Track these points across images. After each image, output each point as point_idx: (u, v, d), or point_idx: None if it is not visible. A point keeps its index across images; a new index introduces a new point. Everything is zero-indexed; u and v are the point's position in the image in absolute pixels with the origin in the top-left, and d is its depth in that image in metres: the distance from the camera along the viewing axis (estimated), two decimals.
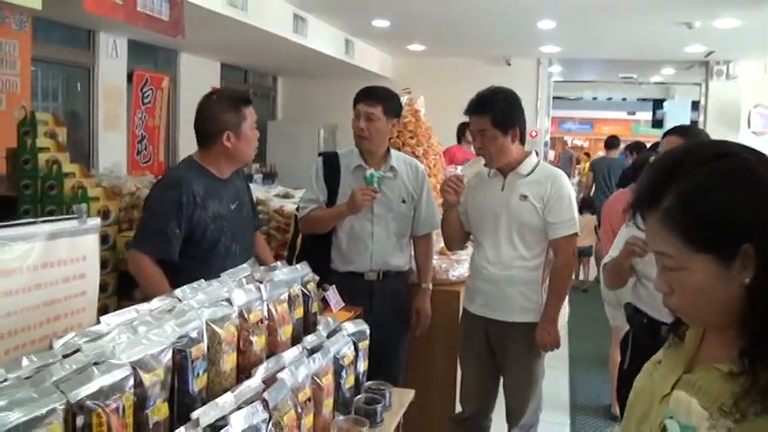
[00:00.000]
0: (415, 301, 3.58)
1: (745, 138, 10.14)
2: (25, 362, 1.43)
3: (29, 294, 1.60)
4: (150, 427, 1.53)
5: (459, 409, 3.54)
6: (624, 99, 20.02)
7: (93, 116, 6.53)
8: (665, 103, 16.20)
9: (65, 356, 1.51)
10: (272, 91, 10.61)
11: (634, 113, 21.92)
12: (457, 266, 3.92)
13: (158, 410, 1.56)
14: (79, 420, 1.34)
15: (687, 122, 14.13)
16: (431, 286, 3.64)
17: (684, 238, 1.15)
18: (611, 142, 9.44)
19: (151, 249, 2.72)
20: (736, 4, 6.51)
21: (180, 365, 1.66)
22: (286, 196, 4.78)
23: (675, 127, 3.12)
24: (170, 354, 1.62)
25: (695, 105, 12.92)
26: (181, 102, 7.91)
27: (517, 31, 8.42)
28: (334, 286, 3.01)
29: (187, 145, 8.01)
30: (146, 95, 7.21)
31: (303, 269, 2.49)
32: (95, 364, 1.46)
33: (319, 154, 3.78)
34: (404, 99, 4.10)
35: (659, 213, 1.18)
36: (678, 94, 15.55)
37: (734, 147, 1.21)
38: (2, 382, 1.35)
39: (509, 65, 10.54)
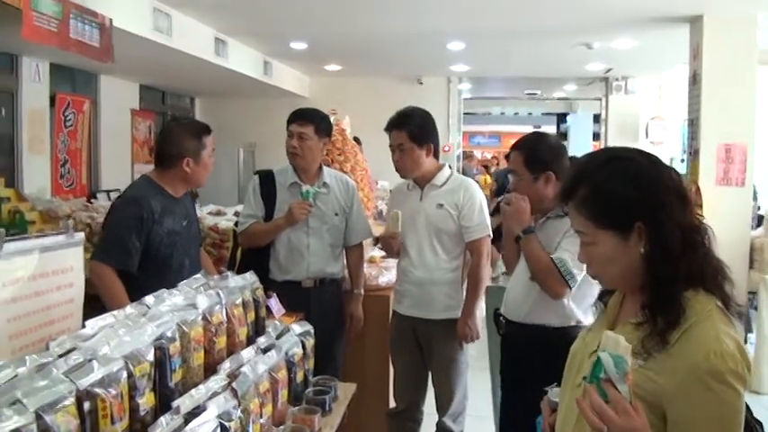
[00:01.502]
0: (348, 306, 3.85)
1: (643, 147, 10.76)
2: (29, 360, 1.64)
3: (29, 301, 1.81)
4: (141, 413, 1.76)
5: (393, 404, 3.85)
6: (530, 114, 20.81)
7: (18, 140, 6.53)
8: (568, 117, 16.94)
9: (60, 356, 1.72)
10: (189, 112, 10.72)
11: (540, 127, 22.79)
12: (386, 273, 4.24)
13: (147, 399, 1.80)
14: (86, 405, 1.56)
15: (590, 135, 14.91)
16: (362, 292, 3.91)
17: (593, 219, 1.56)
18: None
19: (113, 261, 2.91)
20: (632, 28, 7.06)
21: (160, 361, 1.89)
22: (218, 214, 5.01)
23: (518, 142, 3.19)
24: (152, 350, 1.86)
25: (597, 118, 13.61)
26: (102, 124, 7.96)
27: (428, 52, 8.79)
28: (275, 295, 3.26)
29: (109, 167, 8.08)
30: (68, 119, 7.25)
31: (251, 278, 2.75)
32: (90, 360, 1.69)
33: (255, 172, 4.02)
34: (331, 119, 4.40)
35: (576, 202, 1.59)
36: (580, 108, 16.27)
37: (628, 151, 1.66)
38: (14, 377, 1.55)
39: (421, 83, 10.92)
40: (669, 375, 1.43)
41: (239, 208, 3.86)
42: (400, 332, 3.68)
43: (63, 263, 1.97)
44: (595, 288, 2.75)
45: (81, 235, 2.06)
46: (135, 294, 2.54)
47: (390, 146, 3.58)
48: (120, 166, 8.41)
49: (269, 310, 3.26)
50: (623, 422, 1.33)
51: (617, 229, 1.54)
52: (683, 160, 7.52)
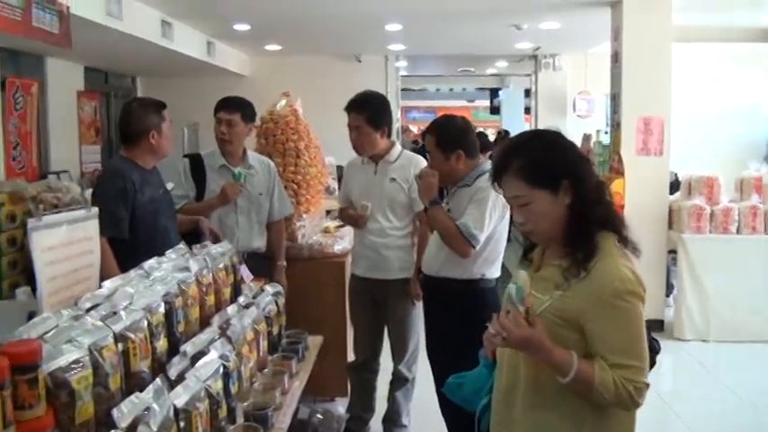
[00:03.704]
0: (274, 275, 4.17)
1: (571, 120, 11.29)
2: (65, 313, 1.98)
3: (60, 265, 2.14)
4: (158, 355, 2.12)
5: (351, 357, 4.28)
6: (464, 89, 21.34)
7: None
8: (500, 92, 17.48)
9: (87, 310, 2.07)
10: (132, 92, 10.83)
11: (473, 101, 23.33)
12: (340, 241, 4.64)
13: (162, 344, 2.16)
14: (120, 346, 1.92)
15: (521, 109, 15.48)
16: (285, 263, 4.32)
17: (528, 182, 1.97)
18: None
19: (105, 230, 3.22)
20: (557, 10, 7.53)
21: (168, 313, 2.25)
22: None
23: (429, 126, 3.68)
24: (162, 304, 2.22)
25: (528, 93, 14.18)
26: (49, 106, 8.06)
27: (366, 32, 9.09)
28: (244, 263, 3.61)
29: (57, 148, 8.20)
30: (18, 102, 7.34)
31: (227, 246, 3.12)
32: (114, 312, 2.04)
33: (184, 155, 4.40)
34: (283, 101, 4.74)
35: (511, 172, 2.00)
36: (512, 84, 16.81)
37: (541, 130, 2.23)
38: (56, 326, 1.88)
39: (359, 61, 11.18)
40: (584, 298, 1.90)
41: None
42: (358, 292, 4.10)
43: (85, 233, 2.31)
44: (501, 245, 3.35)
45: (96, 209, 2.40)
46: (129, 256, 2.91)
47: (348, 125, 3.96)
48: (68, 147, 8.53)
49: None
50: (518, 331, 1.85)
51: (549, 188, 1.96)
52: (606, 132, 8.01)
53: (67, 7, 5.06)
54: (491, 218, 3.30)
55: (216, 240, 3.56)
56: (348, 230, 4.68)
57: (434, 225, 3.46)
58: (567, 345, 1.89)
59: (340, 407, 4.34)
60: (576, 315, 1.91)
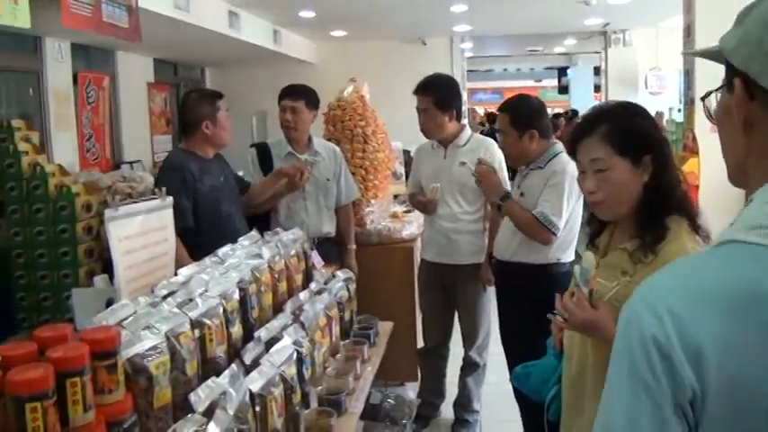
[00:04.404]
0: (344, 259, 4.24)
1: (643, 98, 10.97)
2: (142, 300, 2.02)
3: (138, 254, 2.19)
4: (233, 341, 2.15)
5: (421, 343, 4.27)
6: (532, 69, 21.05)
7: (45, 118, 6.83)
8: (569, 71, 17.19)
9: (163, 297, 2.10)
10: (201, 82, 11.00)
11: (540, 81, 22.99)
12: (408, 226, 4.63)
13: (237, 329, 2.19)
14: (196, 332, 1.95)
15: (590, 87, 15.17)
16: (354, 246, 4.34)
17: (613, 147, 1.92)
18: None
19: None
20: None
21: (242, 299, 2.28)
22: None
23: (503, 105, 3.65)
24: (237, 291, 2.25)
25: (597, 71, 13.87)
26: (121, 98, 8.26)
27: (431, 14, 9.00)
28: (315, 250, 3.64)
29: (130, 139, 8.40)
30: (90, 95, 7.55)
31: (298, 233, 3.14)
32: (191, 299, 2.07)
33: (251, 145, 4.43)
34: (350, 87, 4.74)
35: (596, 136, 1.95)
36: (581, 62, 16.50)
37: (632, 102, 2.12)
38: (134, 312, 1.92)
39: (425, 44, 11.06)
40: None
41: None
42: (428, 278, 4.08)
43: (160, 222, 2.36)
44: (576, 228, 3.28)
45: (170, 199, 2.44)
46: (197, 245, 2.98)
47: (417, 108, 3.94)
48: (140, 137, 8.73)
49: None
50: (581, 313, 1.81)
51: (632, 158, 1.91)
52: (679, 110, 7.76)
53: (136, 2, 5.16)
54: (568, 202, 3.24)
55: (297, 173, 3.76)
56: (416, 215, 4.67)
57: (511, 219, 3.41)
58: None
59: (411, 391, 4.34)
60: None
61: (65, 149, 6.99)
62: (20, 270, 3.93)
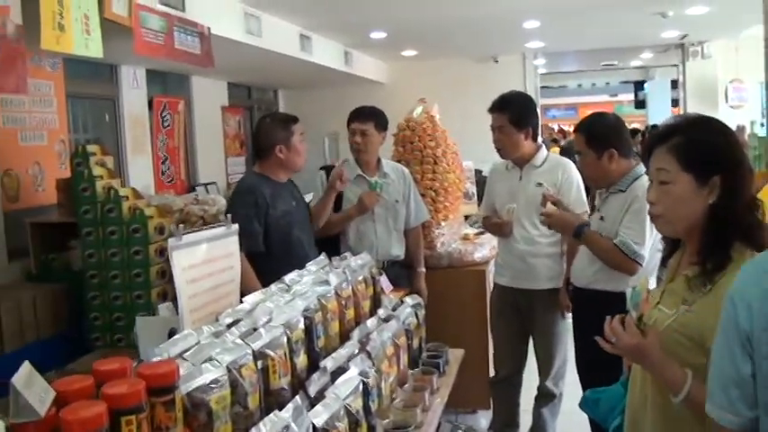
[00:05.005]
0: (413, 283, 4.17)
1: (723, 112, 10.61)
2: (206, 330, 1.98)
3: (202, 282, 2.17)
4: (298, 371, 2.09)
5: (492, 372, 4.14)
6: (607, 83, 20.60)
7: (121, 143, 7.00)
8: (645, 85, 16.77)
9: (228, 326, 2.06)
10: (274, 105, 11.14)
11: (616, 95, 22.51)
12: (480, 249, 4.52)
13: (302, 360, 2.13)
14: (260, 363, 1.89)
15: (668, 101, 14.74)
16: (424, 269, 4.25)
17: (679, 160, 1.80)
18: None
19: (243, 248, 3.30)
20: None
21: (308, 328, 2.22)
22: None
23: (579, 124, 3.53)
24: (302, 320, 2.19)
25: (674, 84, 13.47)
26: (195, 122, 8.41)
27: (503, 32, 8.89)
28: (384, 274, 3.57)
29: (204, 162, 8.54)
30: (165, 120, 7.71)
31: (366, 257, 3.08)
32: (255, 329, 2.03)
33: (321, 167, 4.42)
34: (419, 108, 4.69)
35: (667, 146, 1.84)
36: (658, 75, 16.08)
37: (716, 118, 1.96)
38: (197, 342, 1.88)
39: (496, 62, 10.92)
40: (710, 313, 1.65)
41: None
42: (501, 303, 3.96)
43: (225, 249, 2.33)
44: (657, 255, 3.10)
45: (236, 226, 2.41)
46: (267, 270, 2.94)
47: (491, 127, 3.84)
48: (214, 160, 8.87)
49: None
50: (627, 338, 1.74)
51: (697, 175, 1.79)
52: (762, 124, 7.42)
53: (208, 28, 5.24)
54: (652, 228, 3.07)
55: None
56: (488, 237, 4.56)
57: (593, 251, 3.27)
58: (694, 370, 1.70)
59: (483, 419, 4.22)
60: (700, 334, 1.71)
61: (140, 172, 7.14)
62: (93, 291, 4.02)
